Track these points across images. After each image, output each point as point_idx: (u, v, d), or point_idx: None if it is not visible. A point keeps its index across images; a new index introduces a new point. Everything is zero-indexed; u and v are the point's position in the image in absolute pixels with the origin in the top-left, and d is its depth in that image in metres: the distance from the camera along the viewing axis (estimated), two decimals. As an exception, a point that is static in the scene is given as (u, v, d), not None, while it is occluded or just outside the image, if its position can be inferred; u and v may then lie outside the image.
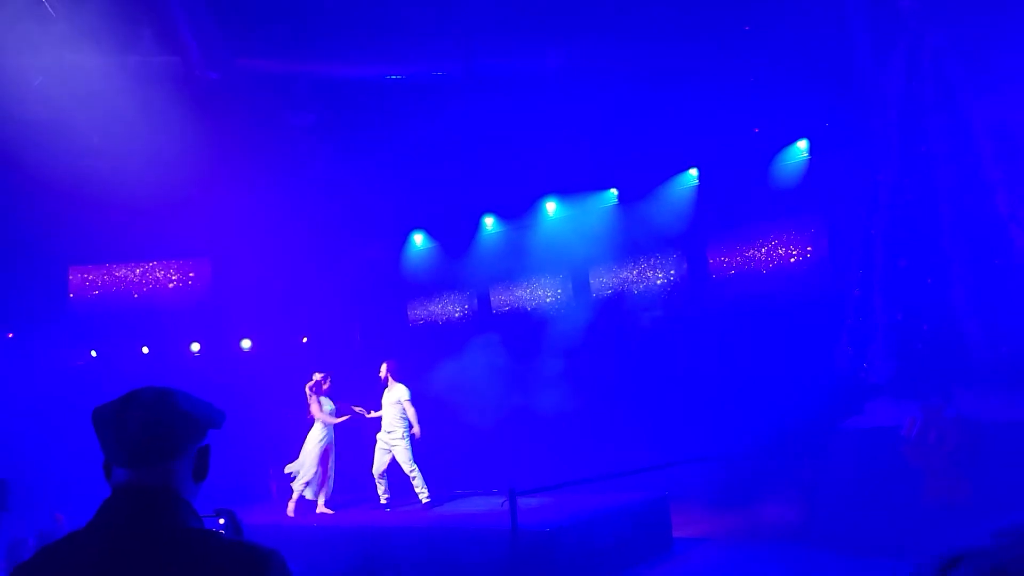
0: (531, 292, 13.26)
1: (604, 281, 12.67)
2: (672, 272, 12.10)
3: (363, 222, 13.67)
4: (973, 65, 9.11)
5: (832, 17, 9.99)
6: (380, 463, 10.15)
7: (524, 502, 8.14)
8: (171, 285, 14.61)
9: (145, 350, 14.00)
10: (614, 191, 12.50)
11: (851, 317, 9.70)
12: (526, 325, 12.85)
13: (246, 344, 14.47)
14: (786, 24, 10.32)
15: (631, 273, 12.41)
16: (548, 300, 13.13)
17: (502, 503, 7.85)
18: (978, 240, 8.91)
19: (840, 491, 9.07)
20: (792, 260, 11.23)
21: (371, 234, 14.01)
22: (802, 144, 10.97)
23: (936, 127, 9.28)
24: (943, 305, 8.97)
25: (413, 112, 11.89)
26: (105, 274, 14.35)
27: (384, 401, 10.19)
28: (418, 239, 14.25)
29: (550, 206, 12.90)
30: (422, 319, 14.32)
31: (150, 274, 14.53)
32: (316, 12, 9.97)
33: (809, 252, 11.02)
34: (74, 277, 14.17)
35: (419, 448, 10.19)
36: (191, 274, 14.64)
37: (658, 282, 12.20)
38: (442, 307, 14.04)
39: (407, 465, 10.00)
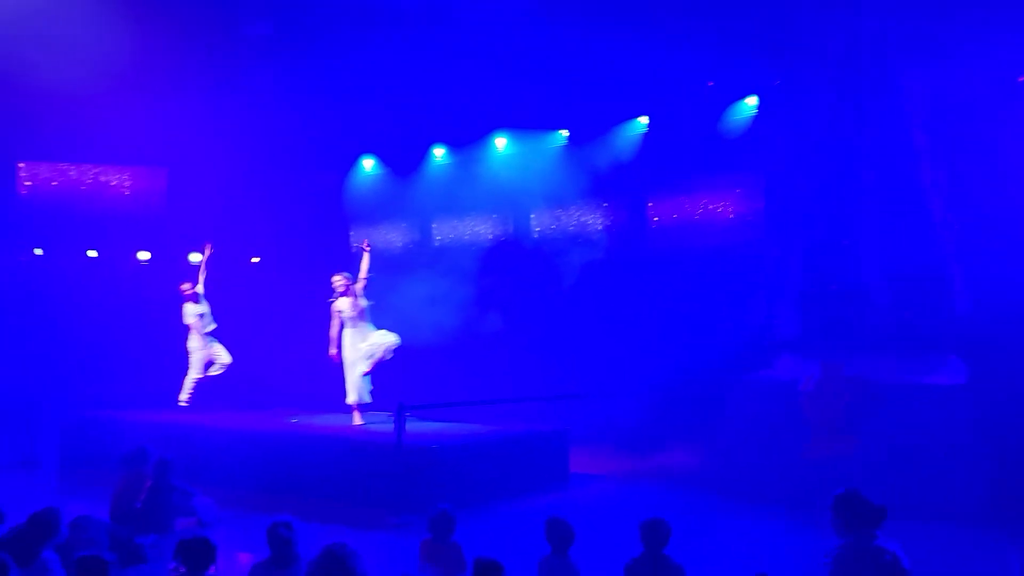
0: (473, 227, 13.30)
1: (545, 221, 12.76)
2: (611, 217, 12.19)
3: (314, 144, 13.59)
4: (911, 42, 9.09)
5: None
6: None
7: (420, 425, 8.29)
8: (125, 192, 14.53)
9: (92, 253, 14.01)
10: (565, 132, 12.48)
11: (768, 274, 9.87)
12: (466, 257, 12.89)
13: (195, 258, 14.48)
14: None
15: (572, 214, 12.50)
16: (488, 236, 13.21)
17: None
18: (896, 209, 9.04)
19: (738, 439, 9.35)
20: (729, 216, 11.31)
21: (321, 156, 13.95)
22: (751, 100, 10.96)
23: (869, 98, 9.31)
24: (854, 269, 9.13)
25: (369, 36, 11.73)
26: (57, 172, 14.21)
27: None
28: (368, 164, 14.20)
29: (500, 141, 12.87)
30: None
31: (104, 177, 14.43)
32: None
33: (746, 208, 11.10)
34: (25, 172, 14.03)
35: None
36: (145, 182, 14.56)
37: (598, 226, 12.29)
38: (384, 235, 14.00)
39: None
